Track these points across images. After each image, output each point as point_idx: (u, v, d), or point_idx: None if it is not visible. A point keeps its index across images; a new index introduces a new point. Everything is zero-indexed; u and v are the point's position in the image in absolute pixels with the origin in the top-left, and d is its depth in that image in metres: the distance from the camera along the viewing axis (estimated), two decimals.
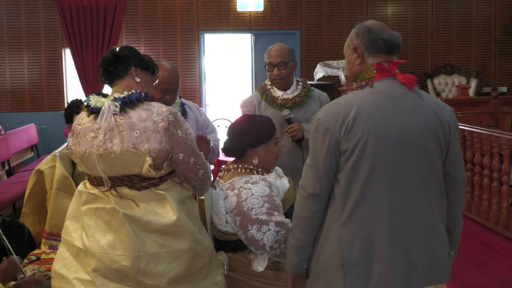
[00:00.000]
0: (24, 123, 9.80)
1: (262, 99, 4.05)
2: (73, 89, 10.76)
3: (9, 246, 4.55)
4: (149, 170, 2.55)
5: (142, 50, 10.38)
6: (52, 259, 5.03)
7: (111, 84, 2.74)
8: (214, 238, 3.25)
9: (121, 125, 2.57)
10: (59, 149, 6.13)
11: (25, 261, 4.18)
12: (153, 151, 2.55)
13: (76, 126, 2.72)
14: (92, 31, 10.33)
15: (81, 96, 9.48)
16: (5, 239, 4.61)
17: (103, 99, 2.67)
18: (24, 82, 10.65)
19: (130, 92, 2.64)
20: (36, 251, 5.29)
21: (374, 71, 2.44)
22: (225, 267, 3.14)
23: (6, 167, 8.45)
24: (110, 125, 2.57)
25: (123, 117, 2.59)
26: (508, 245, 4.92)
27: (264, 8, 10.66)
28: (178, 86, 3.82)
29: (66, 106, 7.06)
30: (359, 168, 2.33)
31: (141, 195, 2.63)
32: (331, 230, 2.42)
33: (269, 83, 4.09)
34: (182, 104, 4.01)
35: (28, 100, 10.68)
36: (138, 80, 2.71)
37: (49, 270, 5.03)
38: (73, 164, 5.73)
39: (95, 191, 2.67)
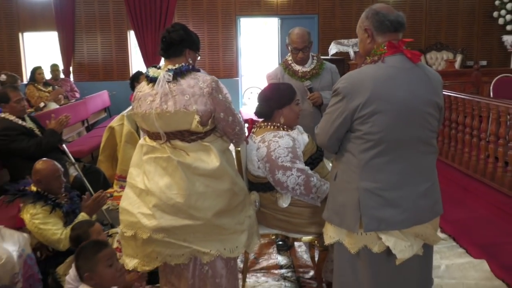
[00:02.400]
0: (98, 90, 9.97)
1: (285, 72, 4.04)
2: (136, 63, 10.80)
3: (89, 186, 4.66)
4: (197, 126, 2.59)
5: None
6: (121, 195, 5.16)
7: (167, 58, 2.75)
8: (248, 181, 3.28)
9: (174, 91, 2.61)
10: (126, 110, 6.22)
11: None
12: (199, 111, 2.58)
13: (138, 93, 2.77)
14: (151, 16, 10.33)
15: (143, 68, 9.54)
16: (85, 180, 4.71)
17: (159, 70, 2.71)
18: (98, 58, 10.76)
19: (180, 65, 2.67)
20: (110, 190, 5.42)
21: (385, 47, 2.37)
22: (257, 204, 3.17)
23: (86, 125, 8.63)
24: (165, 90, 2.61)
25: (175, 84, 2.62)
26: (484, 189, 4.91)
27: None
28: None
29: (130, 77, 7.12)
30: (374, 131, 2.30)
31: (190, 146, 2.66)
32: (349, 177, 2.41)
33: (290, 58, 4.07)
34: None
35: (101, 72, 10.80)
36: (190, 61, 2.76)
37: (117, 204, 5.17)
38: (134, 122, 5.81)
39: (153, 143, 2.71)
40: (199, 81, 2.63)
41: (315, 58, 4.09)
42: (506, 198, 4.56)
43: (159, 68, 2.76)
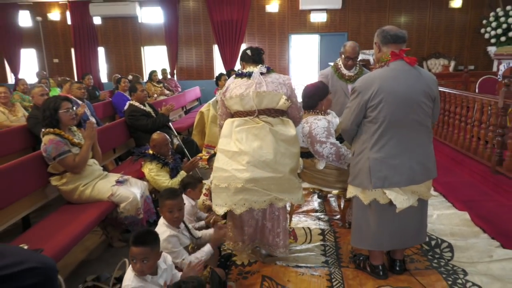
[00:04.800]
0: (193, 86, 10.12)
1: (334, 74, 3.78)
2: (218, 67, 10.88)
3: (187, 151, 4.78)
4: (284, 103, 2.63)
5: (256, 45, 10.37)
6: (207, 158, 5.25)
7: (255, 63, 2.75)
8: None
9: (266, 80, 2.64)
10: (211, 100, 6.29)
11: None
12: (283, 93, 2.63)
13: (230, 85, 2.72)
14: (229, 34, 10.33)
15: (223, 70, 9.62)
16: (184, 147, 4.84)
17: (252, 68, 2.71)
18: (193, 63, 10.91)
19: (266, 65, 2.74)
20: (200, 154, 5.54)
21: (389, 56, 2.36)
22: (301, 166, 3.15)
23: (184, 110, 8.80)
24: (259, 80, 2.63)
25: (265, 77, 2.66)
26: (468, 160, 4.69)
27: (326, 19, 10.29)
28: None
29: (215, 77, 7.19)
30: (381, 117, 2.30)
31: (274, 120, 2.64)
32: (363, 150, 2.40)
33: (340, 63, 3.78)
34: None
35: (195, 73, 10.97)
36: None
37: (206, 164, 5.26)
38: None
39: (245, 118, 2.66)
40: (281, 76, 2.71)
41: (357, 65, 3.82)
42: (485, 168, 4.35)
43: (239, 70, 2.78)
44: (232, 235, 2.80)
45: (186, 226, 2.59)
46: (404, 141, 2.31)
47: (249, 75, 2.65)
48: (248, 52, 2.73)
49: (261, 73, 2.64)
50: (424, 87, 2.31)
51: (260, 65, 2.69)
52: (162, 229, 2.40)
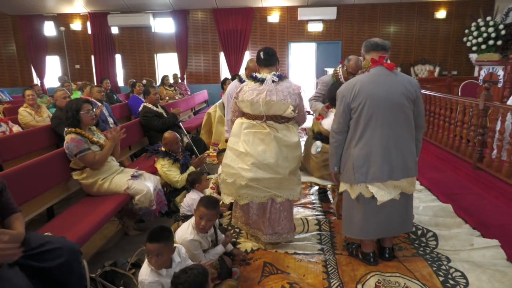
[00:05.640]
0: (201, 89, 10.12)
1: (334, 82, 3.63)
2: (224, 72, 10.85)
3: (196, 149, 4.77)
4: (291, 112, 2.55)
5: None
6: (214, 155, 5.24)
7: (266, 66, 2.62)
8: (318, 133, 3.16)
9: (276, 89, 2.55)
10: (218, 102, 6.27)
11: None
12: (291, 103, 2.55)
13: (244, 87, 2.65)
14: (234, 42, 10.30)
15: (228, 75, 9.60)
16: (193, 145, 4.83)
17: (265, 74, 2.61)
18: (201, 69, 10.87)
19: (278, 73, 2.62)
20: (207, 152, 5.53)
21: (370, 63, 2.38)
22: (318, 149, 3.11)
23: (193, 111, 8.78)
24: (270, 88, 2.55)
25: (276, 85, 2.57)
26: (451, 158, 4.66)
27: (322, 28, 10.21)
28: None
29: (220, 81, 7.17)
30: (362, 117, 2.31)
31: (280, 126, 2.61)
32: (349, 149, 2.42)
33: (340, 73, 3.59)
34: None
35: (202, 78, 10.93)
36: (279, 70, 2.70)
37: (214, 159, 5.24)
38: (223, 109, 5.82)
39: (253, 122, 2.63)
40: (292, 85, 2.60)
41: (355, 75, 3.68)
42: (467, 164, 4.32)
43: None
44: (238, 215, 2.86)
45: (216, 233, 2.50)
46: (384, 140, 2.31)
47: (262, 80, 2.58)
48: (261, 54, 2.62)
49: (273, 81, 2.55)
50: (402, 89, 2.31)
51: (273, 72, 2.59)
52: (189, 230, 2.32)
